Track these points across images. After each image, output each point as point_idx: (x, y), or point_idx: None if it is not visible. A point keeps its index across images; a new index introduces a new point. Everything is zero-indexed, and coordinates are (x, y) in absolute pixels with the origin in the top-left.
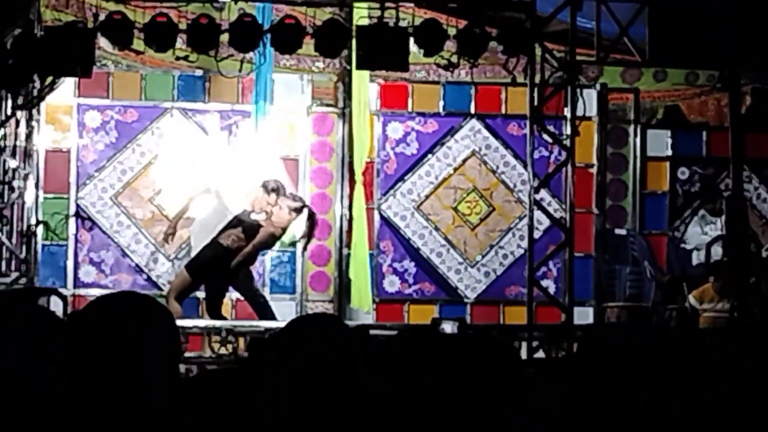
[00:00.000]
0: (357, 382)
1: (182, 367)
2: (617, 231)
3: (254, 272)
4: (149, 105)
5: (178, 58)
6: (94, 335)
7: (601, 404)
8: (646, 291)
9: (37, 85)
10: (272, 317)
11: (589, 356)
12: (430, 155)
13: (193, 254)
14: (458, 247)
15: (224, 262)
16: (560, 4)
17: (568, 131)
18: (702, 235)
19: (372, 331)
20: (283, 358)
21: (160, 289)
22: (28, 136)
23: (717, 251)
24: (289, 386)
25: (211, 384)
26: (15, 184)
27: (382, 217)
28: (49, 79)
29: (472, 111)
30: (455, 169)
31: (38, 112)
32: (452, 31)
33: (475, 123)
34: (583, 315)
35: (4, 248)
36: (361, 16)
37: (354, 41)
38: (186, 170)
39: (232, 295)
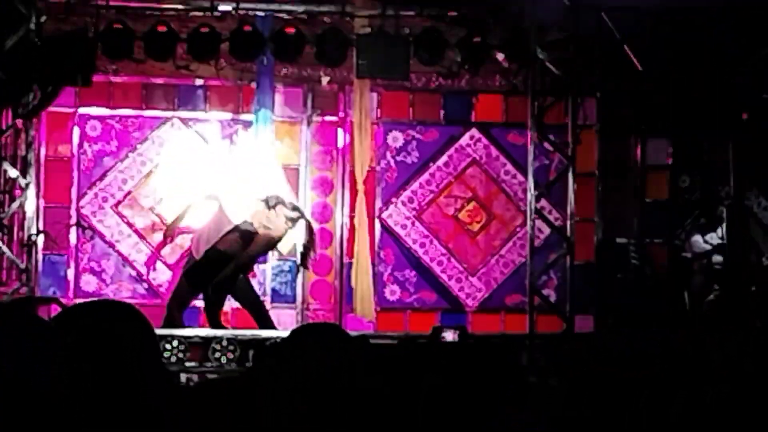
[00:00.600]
0: (357, 386)
1: (183, 377)
2: (618, 240)
3: (255, 282)
4: (150, 114)
5: (178, 67)
6: (91, 337)
7: (602, 404)
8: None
9: (38, 94)
10: (271, 326)
11: (590, 360)
12: (430, 164)
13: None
14: (459, 255)
15: (222, 268)
16: (561, 12)
17: (569, 139)
18: (703, 243)
19: (373, 340)
20: (284, 365)
21: (160, 298)
22: (29, 146)
23: (717, 259)
24: (289, 391)
25: (212, 392)
26: (15, 193)
27: (382, 225)
28: (50, 88)
29: (473, 119)
30: (456, 178)
31: (39, 121)
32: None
33: (475, 132)
34: (584, 324)
35: (4, 258)
36: (362, 24)
37: (355, 50)
38: (187, 179)
39: (232, 303)
